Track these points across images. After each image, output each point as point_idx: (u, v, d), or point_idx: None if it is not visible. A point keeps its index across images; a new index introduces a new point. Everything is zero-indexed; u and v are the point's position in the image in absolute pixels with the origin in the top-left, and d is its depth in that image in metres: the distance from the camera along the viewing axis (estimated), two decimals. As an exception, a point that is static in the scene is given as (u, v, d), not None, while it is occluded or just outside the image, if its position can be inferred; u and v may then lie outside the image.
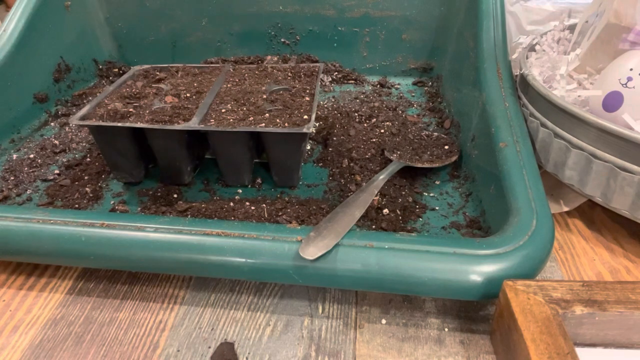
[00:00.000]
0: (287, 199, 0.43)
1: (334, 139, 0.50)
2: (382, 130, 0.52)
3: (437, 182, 0.45)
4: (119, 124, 0.40)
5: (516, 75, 0.50)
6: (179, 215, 0.40)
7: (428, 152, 0.47)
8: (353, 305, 0.35)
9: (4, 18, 0.57)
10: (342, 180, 0.44)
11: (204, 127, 0.40)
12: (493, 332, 0.31)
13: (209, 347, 0.32)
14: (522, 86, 0.46)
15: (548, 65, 0.46)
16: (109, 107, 0.42)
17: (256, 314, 0.34)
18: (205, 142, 0.46)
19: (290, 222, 0.39)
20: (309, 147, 0.51)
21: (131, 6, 0.67)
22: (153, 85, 0.49)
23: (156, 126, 0.40)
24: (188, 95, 0.46)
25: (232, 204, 0.42)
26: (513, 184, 0.35)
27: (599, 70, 0.43)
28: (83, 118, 0.41)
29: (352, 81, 0.65)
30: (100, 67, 0.68)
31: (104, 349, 0.32)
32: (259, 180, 0.45)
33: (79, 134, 0.55)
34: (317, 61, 0.66)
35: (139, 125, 0.40)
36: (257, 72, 0.52)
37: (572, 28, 0.51)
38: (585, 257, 0.39)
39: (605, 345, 0.29)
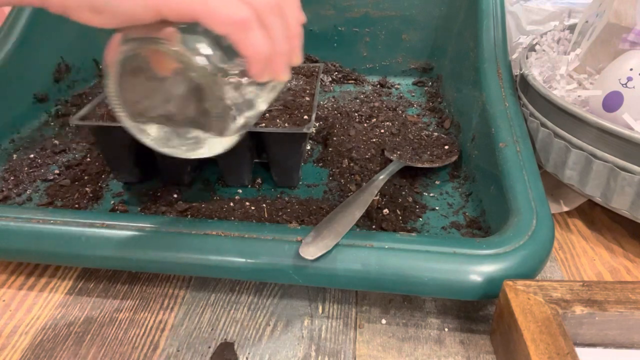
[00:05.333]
0: (287, 199, 0.43)
1: (334, 139, 0.50)
2: (382, 130, 0.52)
3: (437, 182, 0.45)
4: (119, 124, 0.40)
5: (516, 75, 0.50)
6: (179, 215, 0.40)
7: (428, 152, 0.47)
8: (353, 305, 0.35)
9: (4, 18, 0.57)
10: (342, 180, 0.44)
11: (204, 127, 0.40)
12: (493, 332, 0.31)
13: (209, 347, 0.32)
14: (522, 86, 0.46)
15: (548, 65, 0.46)
16: (109, 107, 0.42)
17: (256, 314, 0.34)
18: (205, 142, 0.46)
19: (290, 222, 0.39)
20: (309, 147, 0.51)
21: (131, 6, 0.67)
22: (153, 85, 0.49)
23: (156, 126, 0.40)
24: (188, 95, 0.46)
25: (232, 204, 0.42)
26: (513, 184, 0.35)
27: (599, 70, 0.43)
28: (83, 118, 0.41)
29: (352, 81, 0.65)
30: (100, 67, 0.68)
31: (104, 349, 0.32)
32: (259, 180, 0.45)
33: (79, 134, 0.55)
34: (317, 61, 0.66)
35: (139, 125, 0.40)
36: (257, 72, 0.52)
37: (572, 28, 0.51)
38: (585, 257, 0.39)
39: (605, 345, 0.29)
